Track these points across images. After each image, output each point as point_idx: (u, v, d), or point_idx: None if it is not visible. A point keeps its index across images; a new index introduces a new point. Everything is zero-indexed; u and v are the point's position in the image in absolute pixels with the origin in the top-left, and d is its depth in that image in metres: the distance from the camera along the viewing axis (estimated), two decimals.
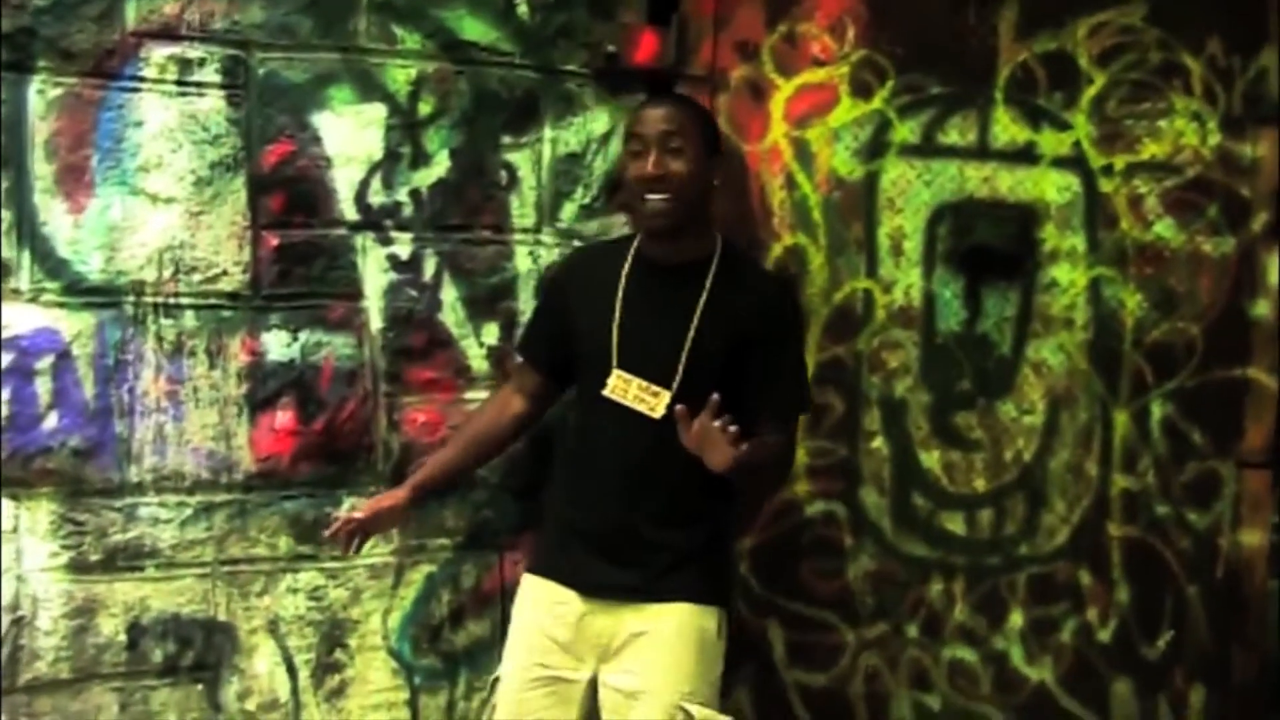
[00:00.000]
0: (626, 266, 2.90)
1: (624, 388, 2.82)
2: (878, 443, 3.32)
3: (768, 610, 3.32)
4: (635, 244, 2.93)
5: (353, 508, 3.07)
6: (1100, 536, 3.38)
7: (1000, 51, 3.29)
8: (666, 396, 2.79)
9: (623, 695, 2.80)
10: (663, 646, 2.79)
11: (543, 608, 2.90)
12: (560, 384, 3.03)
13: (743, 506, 3.07)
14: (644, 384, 2.81)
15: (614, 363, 2.83)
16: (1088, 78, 3.32)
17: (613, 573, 2.83)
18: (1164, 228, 3.36)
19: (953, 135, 3.30)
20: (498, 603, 3.26)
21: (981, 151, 3.31)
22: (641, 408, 2.80)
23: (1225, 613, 3.41)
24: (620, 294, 2.88)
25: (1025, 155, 3.31)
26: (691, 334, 2.80)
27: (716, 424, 2.61)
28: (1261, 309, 3.36)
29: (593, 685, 2.85)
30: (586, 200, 3.29)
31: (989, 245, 3.31)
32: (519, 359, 3.12)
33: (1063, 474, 3.36)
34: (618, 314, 2.86)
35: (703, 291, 2.83)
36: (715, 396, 2.61)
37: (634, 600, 2.81)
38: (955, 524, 3.35)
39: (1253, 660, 3.42)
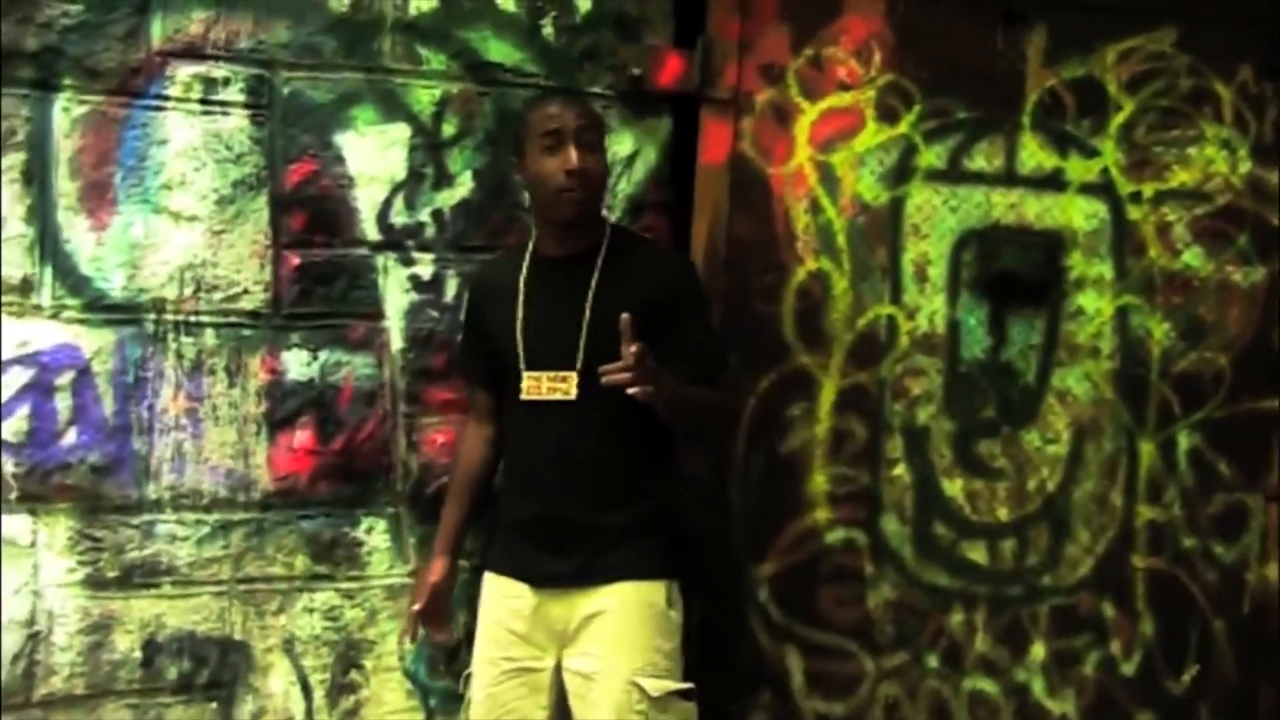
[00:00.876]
0: (524, 269, 2.97)
1: (537, 385, 2.88)
2: (900, 470, 3.31)
3: (786, 638, 3.30)
4: (531, 246, 2.99)
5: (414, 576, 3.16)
6: (1125, 568, 3.35)
7: (1028, 77, 3.29)
8: (574, 376, 2.84)
9: (581, 677, 2.87)
10: (612, 626, 2.85)
11: (500, 602, 2.96)
12: None
13: (695, 480, 3.16)
14: (552, 374, 2.87)
15: (522, 366, 2.90)
16: (1116, 104, 3.30)
17: (554, 562, 2.89)
18: (1192, 256, 3.33)
19: (979, 161, 3.29)
20: None
21: (1008, 177, 3.30)
22: (556, 395, 2.86)
23: (1251, 647, 3.37)
24: (520, 296, 2.94)
25: (1052, 182, 3.30)
26: (587, 313, 2.85)
27: (633, 349, 2.63)
28: None
29: (558, 671, 2.91)
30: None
31: (1015, 272, 3.30)
32: (467, 384, 3.16)
33: (1087, 504, 3.34)
34: (520, 315, 2.93)
35: (594, 272, 2.88)
36: (626, 316, 2.63)
37: (579, 585, 2.87)
38: (977, 553, 3.33)
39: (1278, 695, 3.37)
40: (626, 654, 2.83)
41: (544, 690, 2.91)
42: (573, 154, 2.82)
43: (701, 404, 2.89)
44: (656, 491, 2.94)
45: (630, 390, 2.62)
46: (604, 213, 3.03)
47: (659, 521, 2.93)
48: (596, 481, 2.88)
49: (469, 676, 3.00)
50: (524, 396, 2.89)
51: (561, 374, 2.86)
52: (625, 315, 2.62)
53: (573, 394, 2.85)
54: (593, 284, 2.87)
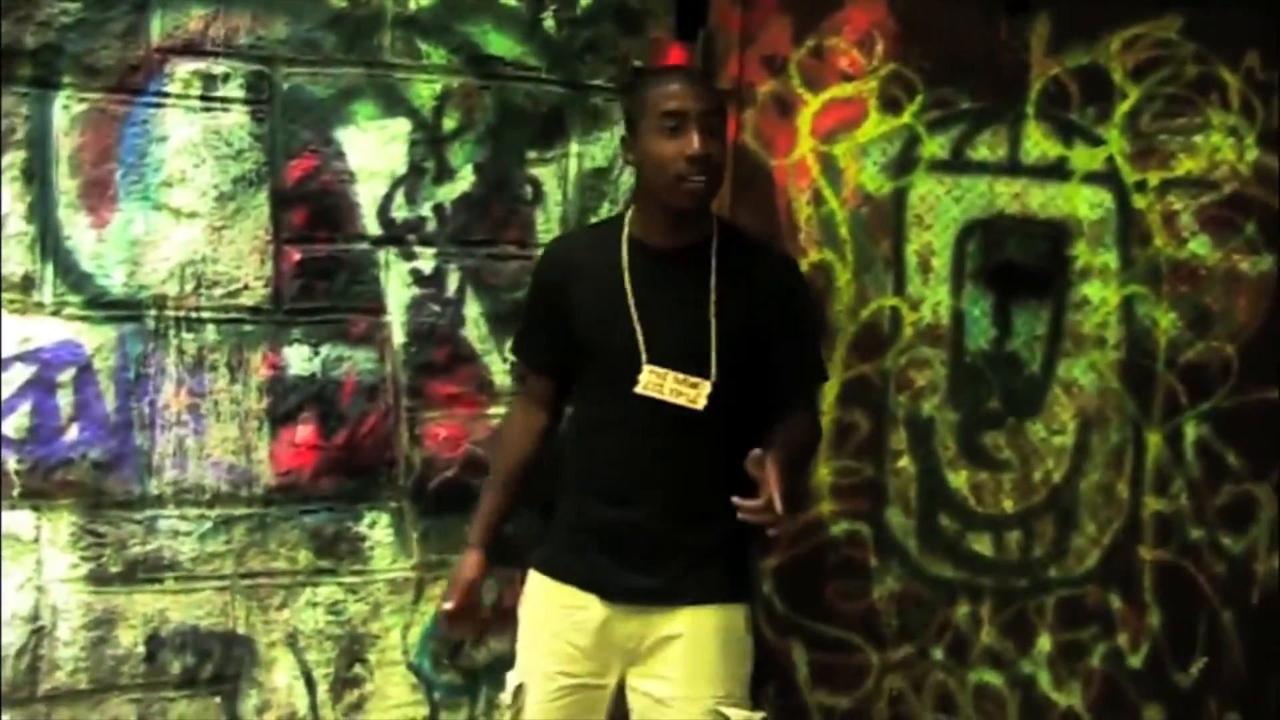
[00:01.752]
0: (625, 254, 2.76)
1: (659, 383, 2.69)
2: (904, 462, 3.32)
3: (791, 631, 3.32)
4: (625, 228, 2.79)
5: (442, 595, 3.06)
6: (1131, 560, 3.35)
7: (1032, 65, 3.28)
8: (707, 386, 2.68)
9: (653, 700, 2.75)
10: (693, 651, 2.72)
11: (558, 613, 2.81)
12: (569, 384, 2.91)
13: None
14: (680, 376, 2.69)
15: (644, 358, 2.70)
16: (1121, 92, 3.29)
17: (636, 577, 2.74)
18: (1199, 245, 3.32)
19: (983, 150, 3.28)
20: (519, 619, 3.27)
21: (1012, 167, 3.30)
22: (681, 400, 2.69)
23: (1260, 639, 3.36)
24: (628, 284, 2.74)
25: (1057, 171, 3.29)
26: (714, 320, 2.69)
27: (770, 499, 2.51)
28: None
29: (619, 689, 2.80)
30: (612, 215, 3.29)
31: (1019, 262, 3.30)
32: (525, 369, 3.04)
33: (1093, 496, 3.33)
34: (632, 303, 2.73)
35: (710, 274, 2.71)
36: (755, 453, 2.49)
37: (660, 604, 2.74)
38: (983, 545, 3.34)
39: None
40: (707, 681, 2.73)
41: (601, 709, 2.80)
42: (695, 139, 2.61)
43: (807, 459, 2.90)
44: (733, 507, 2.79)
45: (771, 533, 2.54)
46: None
47: (740, 539, 2.78)
48: (695, 495, 2.73)
49: (520, 688, 2.83)
50: (641, 390, 2.70)
51: (693, 380, 2.69)
52: (755, 453, 2.48)
53: (700, 404, 2.68)
54: (713, 284, 2.71)
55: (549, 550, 2.88)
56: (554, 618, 2.81)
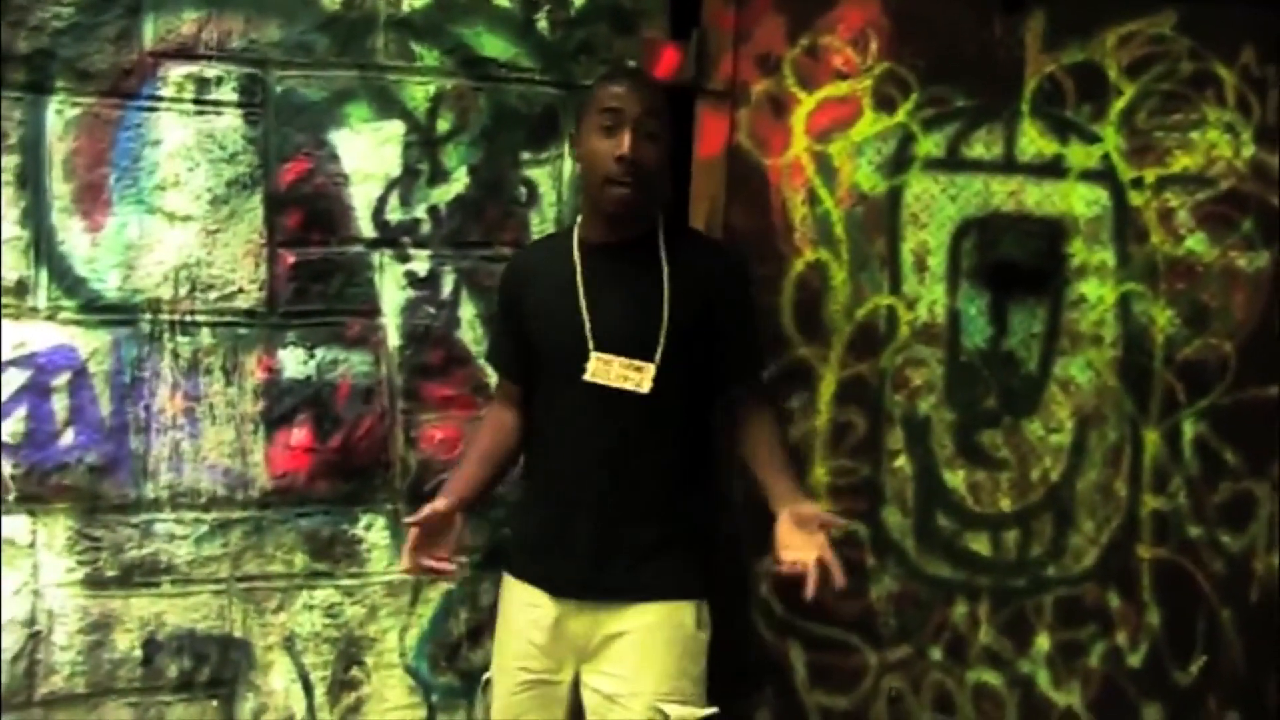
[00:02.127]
0: (575, 253, 2.84)
1: (605, 369, 2.74)
2: (901, 462, 3.31)
3: (789, 631, 3.31)
4: (576, 232, 2.87)
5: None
6: (1130, 558, 3.34)
7: (1027, 63, 3.27)
8: (651, 369, 2.73)
9: (602, 697, 2.79)
10: (639, 648, 2.77)
11: (518, 609, 2.88)
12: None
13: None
14: (626, 361, 2.74)
15: (590, 346, 2.75)
16: (1117, 89, 3.28)
17: (583, 572, 2.79)
18: (1196, 242, 3.31)
19: (978, 149, 3.28)
20: None
21: (1008, 165, 3.29)
22: (627, 385, 2.74)
23: (1260, 637, 3.36)
24: (579, 280, 2.81)
25: (1053, 169, 3.28)
26: (666, 305, 2.75)
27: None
28: None
29: (575, 685, 2.84)
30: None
31: (1015, 260, 3.29)
32: (498, 375, 3.06)
33: (1091, 494, 3.32)
34: (582, 295, 2.79)
35: (661, 264, 2.78)
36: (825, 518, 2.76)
37: (608, 600, 2.79)
38: (980, 545, 3.33)
39: None
40: (652, 678, 2.76)
41: (560, 703, 2.85)
42: (626, 140, 2.68)
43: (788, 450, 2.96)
44: (696, 503, 2.87)
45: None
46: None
47: (698, 536, 2.85)
48: (646, 487, 2.79)
49: (488, 681, 2.96)
50: (589, 377, 2.75)
51: (637, 364, 2.74)
52: (798, 512, 2.72)
53: (646, 387, 2.73)
54: (665, 274, 2.77)
55: (512, 548, 2.99)
56: (515, 615, 2.89)
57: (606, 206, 2.75)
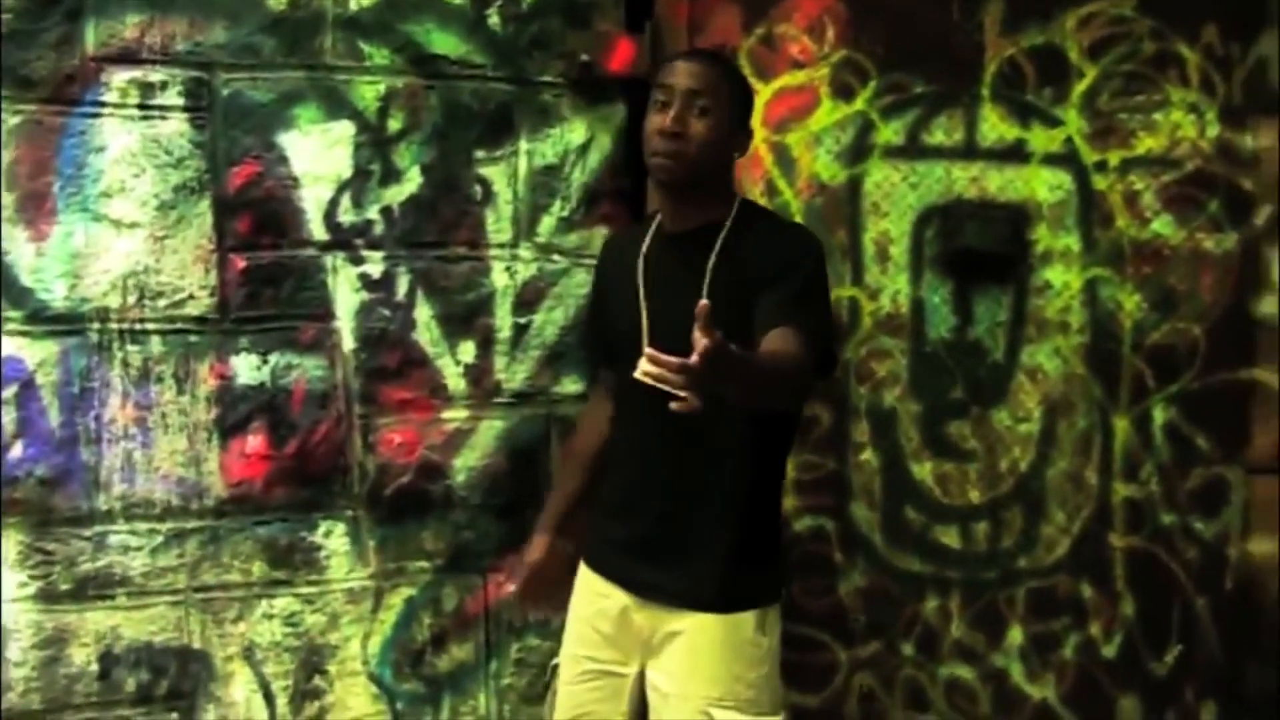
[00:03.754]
0: (647, 242, 2.82)
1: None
2: (867, 455, 3.30)
3: None
4: (657, 218, 2.85)
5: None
6: (1102, 548, 3.32)
7: (986, 47, 3.26)
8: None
9: (659, 694, 2.77)
10: (693, 650, 2.72)
11: (588, 598, 2.87)
12: None
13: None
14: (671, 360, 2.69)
15: (645, 342, 2.65)
16: (1078, 71, 3.26)
17: (648, 572, 2.76)
18: (1162, 225, 3.28)
19: (938, 135, 3.26)
20: (481, 625, 3.27)
21: (969, 151, 3.27)
22: (668, 387, 2.66)
23: (1236, 625, 3.33)
24: (641, 270, 2.79)
25: (1015, 154, 3.27)
26: (704, 292, 2.62)
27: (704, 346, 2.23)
28: (1267, 307, 3.28)
29: (641, 679, 2.81)
30: (565, 213, 3.29)
31: (979, 248, 3.27)
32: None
33: (1062, 483, 3.30)
34: (642, 291, 2.77)
35: (713, 250, 2.69)
36: (703, 303, 2.20)
37: (663, 603, 2.74)
38: (950, 537, 3.32)
39: (1266, 674, 3.32)
40: (704, 681, 2.72)
41: (624, 696, 2.82)
42: (669, 114, 2.65)
43: (768, 370, 2.44)
44: (765, 506, 2.80)
45: (674, 405, 2.26)
46: (734, 188, 2.83)
47: (762, 542, 2.78)
48: (700, 486, 2.72)
49: (555, 667, 2.95)
50: (638, 375, 2.54)
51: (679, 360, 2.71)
52: (703, 302, 2.23)
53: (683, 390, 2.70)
54: (711, 262, 2.68)
55: (590, 537, 2.94)
56: (584, 603, 2.89)
57: (654, 177, 2.72)
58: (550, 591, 3.00)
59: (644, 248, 2.82)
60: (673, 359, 2.19)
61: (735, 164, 2.79)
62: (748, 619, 2.73)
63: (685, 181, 2.69)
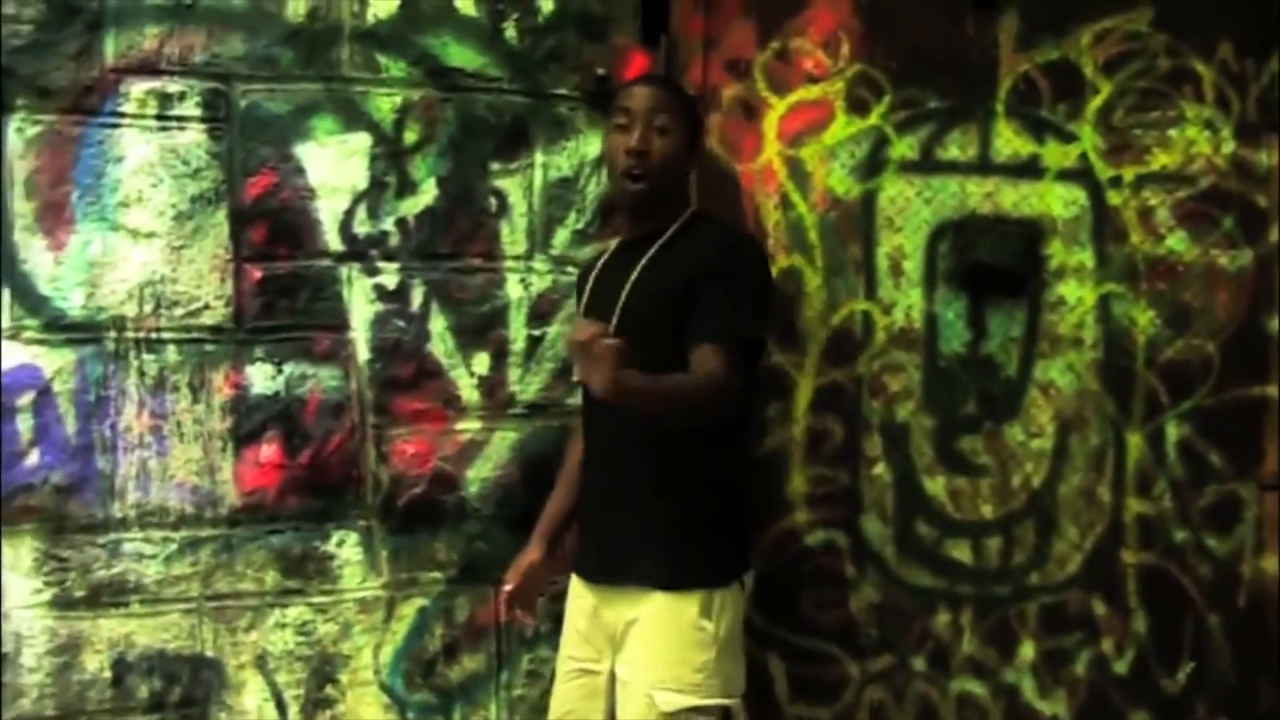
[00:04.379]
0: (605, 256, 3.04)
1: None
2: (880, 469, 3.30)
3: (768, 643, 3.31)
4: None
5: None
6: (1115, 564, 3.32)
7: (1001, 62, 3.27)
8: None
9: (620, 685, 2.88)
10: (643, 636, 2.83)
11: (572, 600, 3.02)
12: None
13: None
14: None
15: None
16: (1093, 87, 3.27)
17: (600, 556, 2.92)
18: (1176, 241, 3.29)
19: (953, 150, 3.27)
20: (493, 635, 3.29)
21: (983, 166, 3.29)
22: None
23: (1249, 642, 3.32)
24: (593, 276, 3.01)
25: (1029, 169, 3.28)
26: (629, 283, 2.86)
27: (604, 341, 2.55)
28: None
29: (613, 676, 2.91)
30: (580, 225, 3.31)
31: (992, 263, 3.27)
32: None
33: (1074, 499, 3.30)
34: (585, 298, 3.01)
35: (651, 248, 2.88)
36: (603, 325, 2.63)
37: (617, 585, 2.86)
38: (962, 553, 3.32)
39: (1278, 691, 3.31)
40: (650, 665, 2.81)
41: (601, 694, 2.92)
42: (635, 134, 2.85)
43: (664, 392, 2.68)
44: (709, 483, 2.87)
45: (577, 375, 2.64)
46: (688, 201, 2.99)
47: (710, 525, 2.87)
48: (638, 467, 2.84)
49: (553, 671, 3.08)
50: (575, 379, 2.91)
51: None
52: (601, 325, 2.62)
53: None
54: (644, 261, 2.87)
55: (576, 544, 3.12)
56: (570, 605, 3.03)
57: (623, 197, 2.92)
58: (530, 599, 3.08)
59: (600, 261, 3.03)
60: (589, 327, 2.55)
61: (689, 177, 2.98)
62: (692, 601, 2.80)
63: (649, 196, 2.87)
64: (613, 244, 3.05)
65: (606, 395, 2.55)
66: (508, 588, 3.04)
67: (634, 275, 2.86)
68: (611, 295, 2.88)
